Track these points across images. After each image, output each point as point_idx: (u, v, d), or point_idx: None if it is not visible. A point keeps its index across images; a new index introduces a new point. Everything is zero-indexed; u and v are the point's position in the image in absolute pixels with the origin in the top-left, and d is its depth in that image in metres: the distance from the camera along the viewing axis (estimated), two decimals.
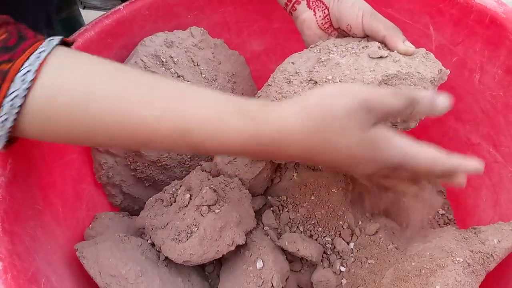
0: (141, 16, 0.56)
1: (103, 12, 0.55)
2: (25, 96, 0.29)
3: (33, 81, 0.29)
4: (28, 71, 0.29)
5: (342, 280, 0.47)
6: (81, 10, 0.93)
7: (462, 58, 0.55)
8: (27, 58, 0.30)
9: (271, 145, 0.31)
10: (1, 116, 0.30)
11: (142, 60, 0.53)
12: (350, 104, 0.30)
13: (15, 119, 0.30)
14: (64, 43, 0.34)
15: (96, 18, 0.53)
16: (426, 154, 0.33)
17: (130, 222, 0.53)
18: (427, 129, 0.64)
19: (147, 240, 0.48)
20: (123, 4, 0.55)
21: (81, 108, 0.30)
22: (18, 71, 0.29)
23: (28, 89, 0.29)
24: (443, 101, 0.34)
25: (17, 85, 0.29)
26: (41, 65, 0.30)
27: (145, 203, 0.51)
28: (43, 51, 0.30)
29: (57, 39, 0.32)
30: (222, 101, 0.32)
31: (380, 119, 0.32)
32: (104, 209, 0.56)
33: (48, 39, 0.32)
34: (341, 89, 0.32)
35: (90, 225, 0.51)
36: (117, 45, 0.55)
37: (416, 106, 0.33)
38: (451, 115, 0.60)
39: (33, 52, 0.30)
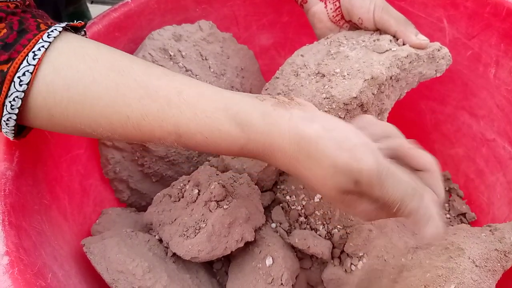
0: (149, 10, 0.56)
1: (111, 6, 0.54)
2: (25, 96, 0.30)
3: (30, 82, 0.30)
4: (26, 71, 0.29)
5: (353, 278, 0.46)
6: (88, 4, 0.93)
7: (477, 52, 0.54)
8: (26, 56, 0.30)
9: (256, 157, 0.32)
10: (4, 116, 0.31)
11: (150, 54, 0.52)
12: (342, 169, 0.29)
13: (18, 118, 0.31)
14: (74, 28, 0.34)
15: (103, 12, 0.53)
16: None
17: (137, 217, 0.53)
18: (440, 125, 0.63)
19: (155, 236, 0.47)
20: None
21: (80, 104, 0.31)
22: (16, 71, 0.29)
23: (27, 88, 0.30)
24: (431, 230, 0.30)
25: (16, 86, 0.30)
26: (38, 63, 0.30)
27: (152, 198, 0.51)
28: (42, 46, 0.30)
29: (58, 29, 0.32)
30: (224, 103, 0.31)
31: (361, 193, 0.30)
32: (111, 205, 0.55)
33: (50, 29, 0.31)
34: (347, 142, 0.29)
35: (97, 221, 0.50)
36: (125, 39, 0.54)
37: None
38: (465, 111, 0.59)
39: (33, 48, 0.30)
